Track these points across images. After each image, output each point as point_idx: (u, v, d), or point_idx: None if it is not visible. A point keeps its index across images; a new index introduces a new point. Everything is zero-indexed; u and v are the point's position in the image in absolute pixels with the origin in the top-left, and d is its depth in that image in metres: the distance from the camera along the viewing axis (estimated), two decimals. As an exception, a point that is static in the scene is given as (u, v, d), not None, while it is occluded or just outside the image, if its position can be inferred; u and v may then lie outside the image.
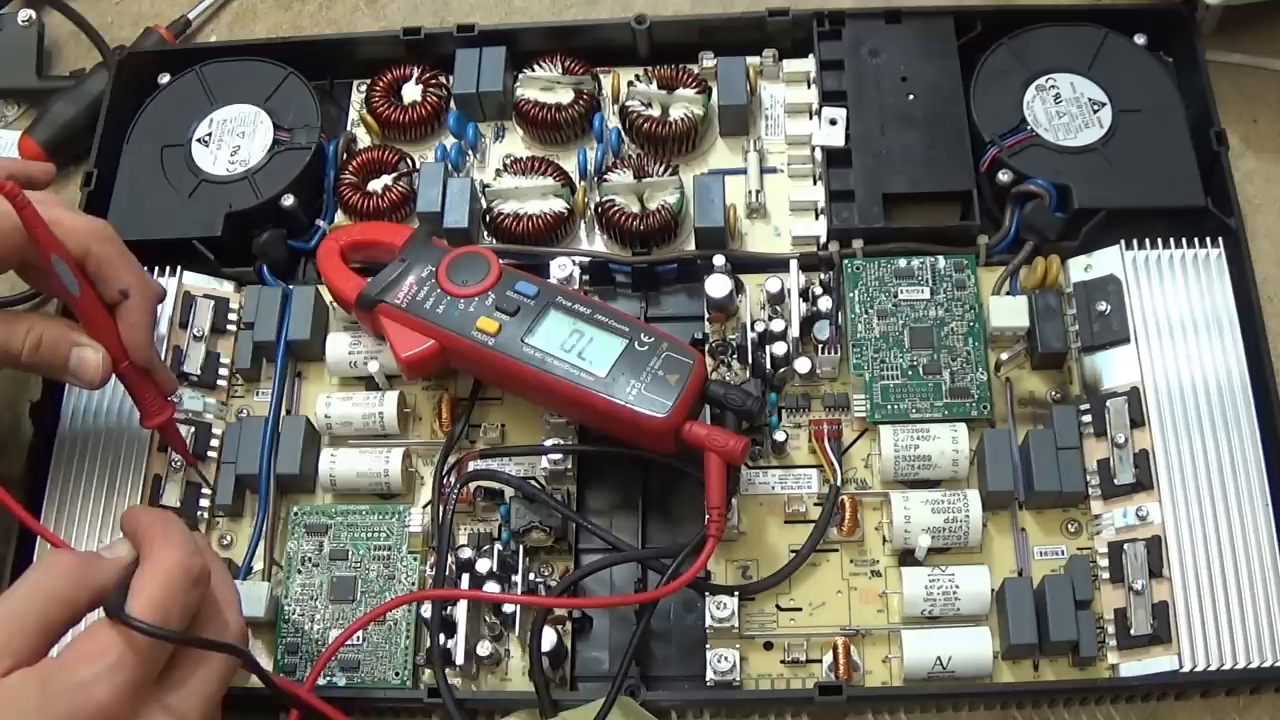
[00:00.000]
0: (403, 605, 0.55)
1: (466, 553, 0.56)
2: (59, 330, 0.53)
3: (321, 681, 0.55)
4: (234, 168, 0.65)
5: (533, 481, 0.57)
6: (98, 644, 0.42)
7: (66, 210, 0.53)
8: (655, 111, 0.66)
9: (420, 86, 0.68)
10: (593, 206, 0.64)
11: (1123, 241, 0.59)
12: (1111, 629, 0.53)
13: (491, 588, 0.55)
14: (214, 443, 0.60)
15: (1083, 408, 0.57)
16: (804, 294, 0.60)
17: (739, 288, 0.61)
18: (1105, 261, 0.59)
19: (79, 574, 0.44)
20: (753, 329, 0.60)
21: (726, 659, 0.53)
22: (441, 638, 0.54)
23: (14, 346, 0.52)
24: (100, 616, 0.42)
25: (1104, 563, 0.54)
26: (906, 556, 0.56)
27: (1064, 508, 0.57)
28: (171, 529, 0.45)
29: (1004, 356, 0.59)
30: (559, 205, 0.64)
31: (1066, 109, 0.63)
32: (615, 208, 0.63)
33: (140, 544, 0.45)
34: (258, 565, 0.58)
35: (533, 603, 0.55)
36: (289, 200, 0.64)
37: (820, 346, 0.59)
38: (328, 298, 0.63)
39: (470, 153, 0.68)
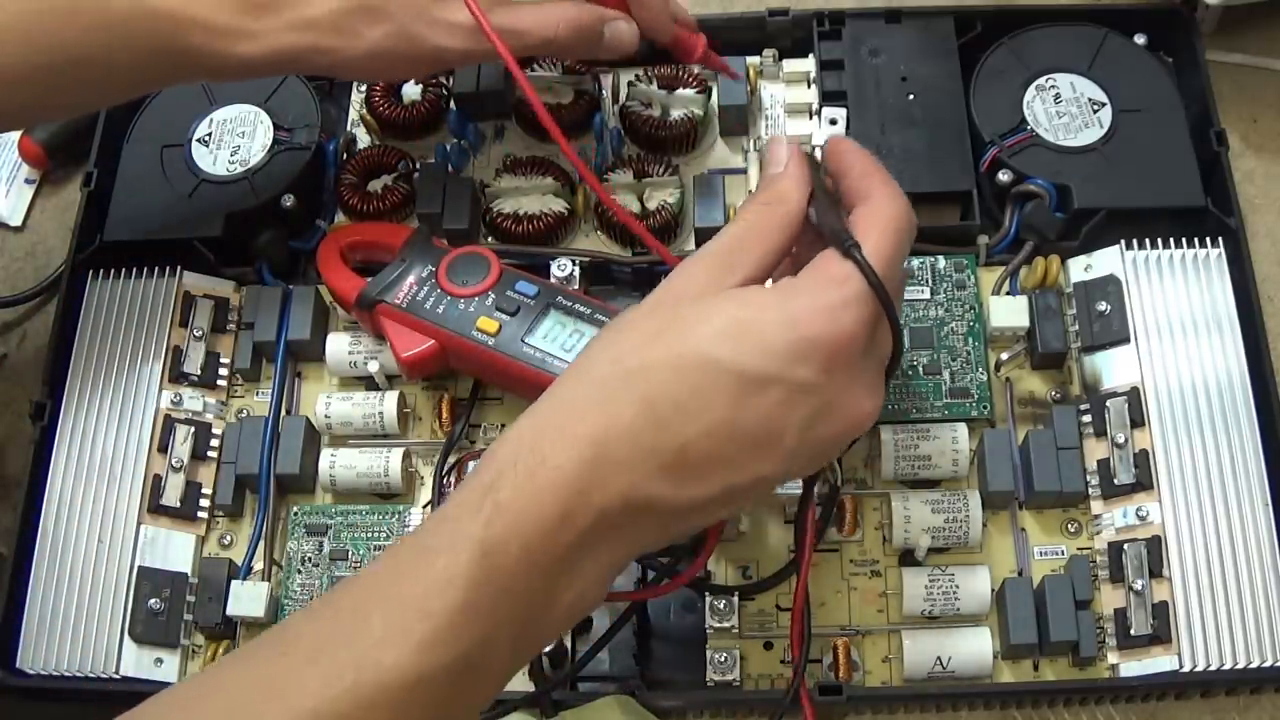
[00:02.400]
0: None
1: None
2: (586, 10, 0.56)
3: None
4: (234, 168, 0.65)
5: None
6: (842, 271, 0.42)
7: None
8: (655, 111, 0.66)
9: (420, 86, 0.68)
10: (593, 206, 0.64)
11: (1123, 241, 0.59)
12: (1111, 629, 0.53)
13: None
14: (214, 443, 0.60)
15: (1083, 408, 0.57)
16: (804, 294, 0.60)
17: (739, 288, 0.61)
18: (1105, 261, 0.60)
19: (775, 188, 0.45)
20: (753, 329, 0.60)
21: (726, 659, 0.53)
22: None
23: (548, 32, 0.55)
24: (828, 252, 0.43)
25: (1104, 563, 0.54)
26: (906, 556, 0.56)
27: (1064, 508, 0.57)
28: (887, 174, 0.45)
29: (1004, 356, 0.59)
30: (559, 205, 0.64)
31: (1066, 109, 0.63)
32: (615, 208, 0.63)
33: (859, 183, 0.45)
34: (258, 565, 0.58)
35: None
36: (289, 200, 0.64)
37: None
38: (328, 298, 0.63)
39: (470, 153, 0.68)
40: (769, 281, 0.44)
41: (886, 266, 0.42)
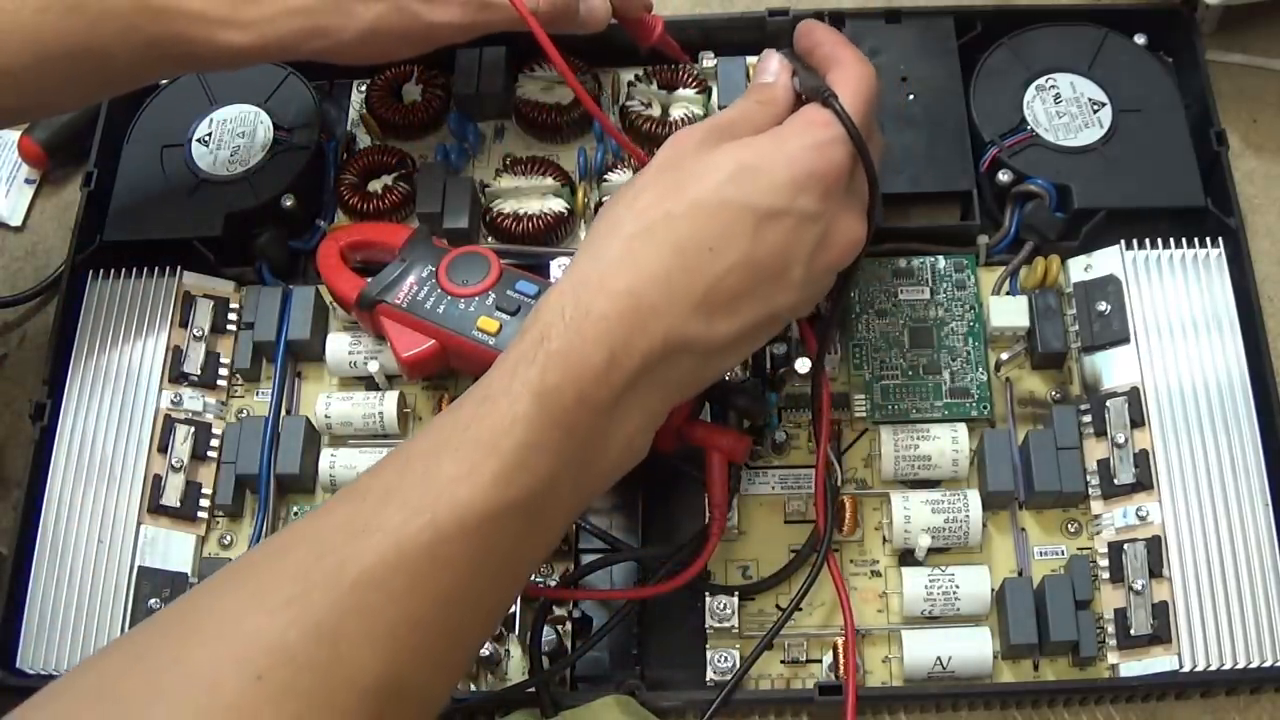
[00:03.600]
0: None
1: (466, 553, 0.56)
2: None
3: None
4: (234, 168, 0.65)
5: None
6: (824, 116, 0.47)
7: None
8: (655, 111, 0.66)
9: (420, 86, 0.68)
10: (593, 206, 0.64)
11: (1123, 241, 0.59)
12: (1111, 629, 0.53)
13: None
14: (214, 443, 0.60)
15: (1083, 408, 0.57)
16: (804, 294, 0.60)
17: (739, 288, 0.61)
18: (1105, 261, 0.60)
19: (768, 90, 0.50)
20: (753, 329, 0.60)
21: (726, 659, 0.53)
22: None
23: (529, 3, 0.56)
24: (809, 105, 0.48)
25: (1104, 563, 0.54)
26: (906, 556, 0.56)
27: (1064, 508, 0.57)
28: (852, 45, 0.51)
29: (1004, 356, 0.59)
30: (559, 205, 0.64)
31: (1066, 109, 0.63)
32: (615, 208, 0.63)
33: (830, 52, 0.50)
34: (258, 565, 0.58)
35: (535, 594, 0.55)
36: (289, 200, 0.64)
37: (820, 346, 0.59)
38: (328, 298, 0.63)
39: (470, 153, 0.68)
40: None
41: (860, 115, 0.47)
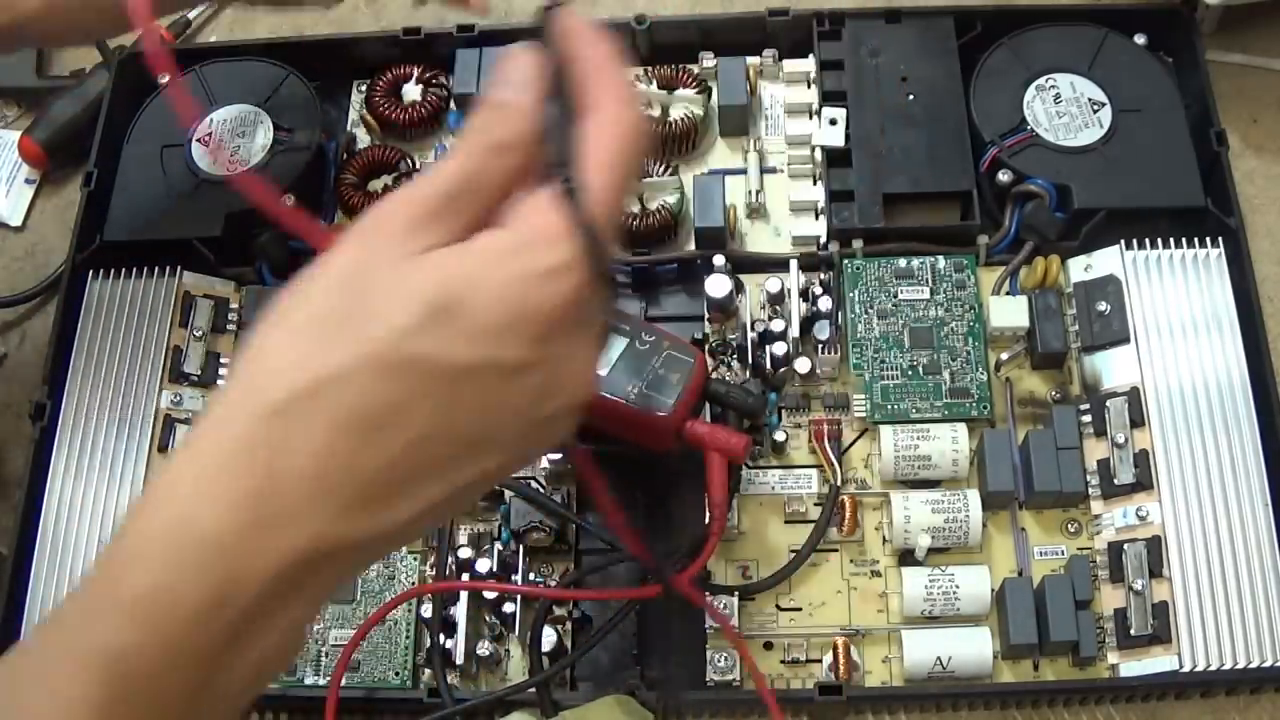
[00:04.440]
0: (409, 599, 0.55)
1: (466, 552, 0.56)
2: None
3: (322, 681, 0.55)
4: (234, 168, 0.65)
5: (533, 482, 0.57)
6: (555, 226, 0.35)
7: None
8: (655, 111, 0.66)
9: (420, 86, 0.68)
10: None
11: (1123, 241, 0.59)
12: (1111, 629, 0.53)
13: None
14: (214, 443, 0.60)
15: (1083, 408, 0.57)
16: (804, 294, 0.60)
17: (739, 288, 0.61)
18: (1105, 261, 0.59)
19: (506, 120, 0.37)
20: (753, 329, 0.60)
21: (726, 659, 0.53)
22: (441, 637, 0.54)
23: None
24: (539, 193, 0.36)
25: (1104, 563, 0.54)
26: (906, 556, 0.56)
27: (1064, 508, 0.57)
28: (619, 74, 0.38)
29: (1004, 356, 0.59)
30: (559, 205, 0.64)
31: (1066, 109, 0.63)
32: (615, 208, 0.63)
33: (586, 84, 0.37)
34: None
35: (535, 594, 0.55)
36: (289, 200, 0.64)
37: (820, 346, 0.59)
38: (328, 298, 0.63)
39: (470, 153, 0.68)
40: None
41: (610, 207, 0.36)
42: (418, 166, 0.66)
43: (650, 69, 0.67)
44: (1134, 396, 0.56)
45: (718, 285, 0.60)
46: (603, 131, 0.37)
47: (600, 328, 0.39)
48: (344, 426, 0.32)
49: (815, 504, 0.58)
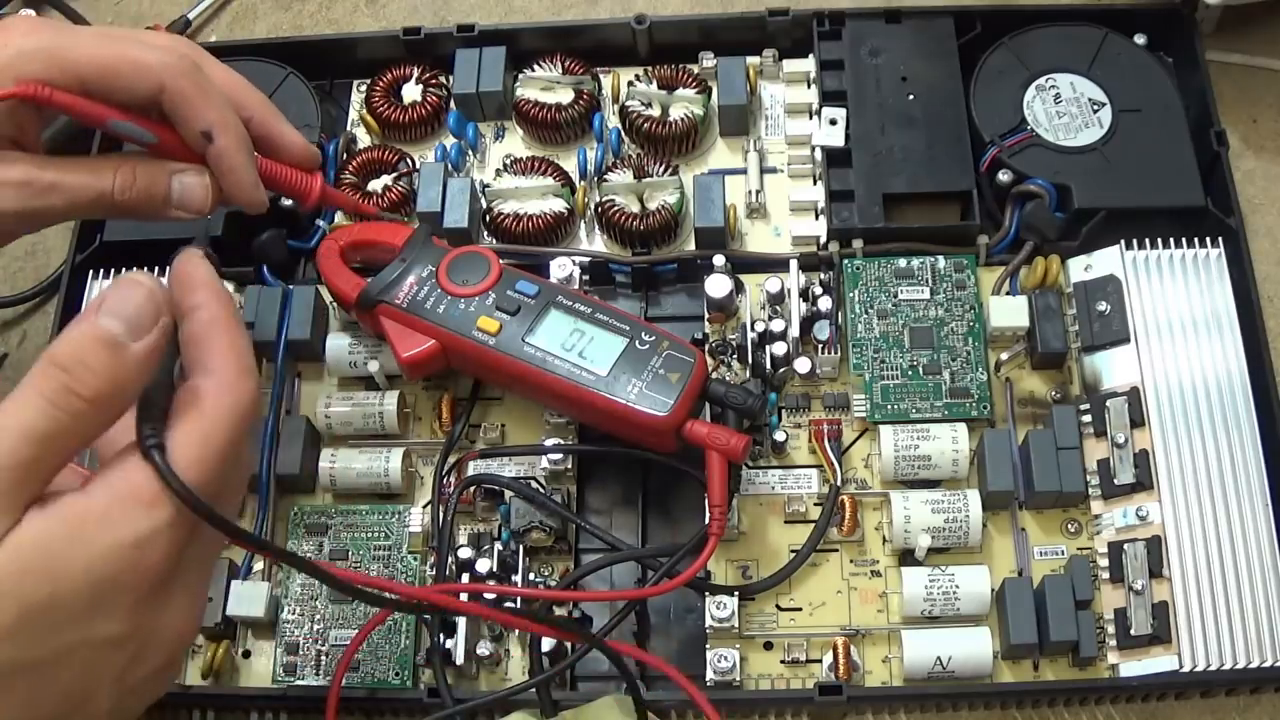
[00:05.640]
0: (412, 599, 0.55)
1: (466, 553, 0.56)
2: (154, 162, 0.48)
3: (322, 681, 0.55)
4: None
5: (533, 482, 0.57)
6: (148, 487, 0.34)
7: (135, 43, 0.46)
8: (655, 111, 0.66)
9: (420, 86, 0.68)
10: (593, 206, 0.64)
11: (1123, 241, 0.59)
12: (1111, 629, 0.53)
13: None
14: (214, 443, 0.60)
15: (1083, 408, 0.57)
16: (804, 294, 0.60)
17: (739, 288, 0.61)
18: (1105, 261, 0.59)
19: (110, 370, 0.34)
20: (753, 329, 0.60)
21: (726, 659, 0.54)
22: (441, 637, 0.54)
23: (103, 186, 0.47)
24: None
25: (1104, 563, 0.54)
26: (906, 556, 0.56)
27: (1064, 508, 0.57)
28: (239, 337, 0.37)
29: (1004, 356, 0.59)
30: (559, 205, 0.64)
31: (1066, 109, 0.63)
32: (615, 208, 0.63)
33: (199, 339, 0.36)
34: (258, 565, 0.58)
35: (535, 595, 0.55)
36: (289, 200, 0.64)
37: (820, 346, 0.59)
38: (328, 298, 0.63)
39: (470, 153, 0.68)
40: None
41: (208, 474, 0.34)
42: (417, 166, 0.66)
43: (650, 69, 0.67)
44: (1134, 396, 0.56)
45: (718, 285, 0.60)
46: (209, 397, 0.35)
47: (206, 566, 0.38)
48: None
49: (815, 504, 0.58)
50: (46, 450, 0.33)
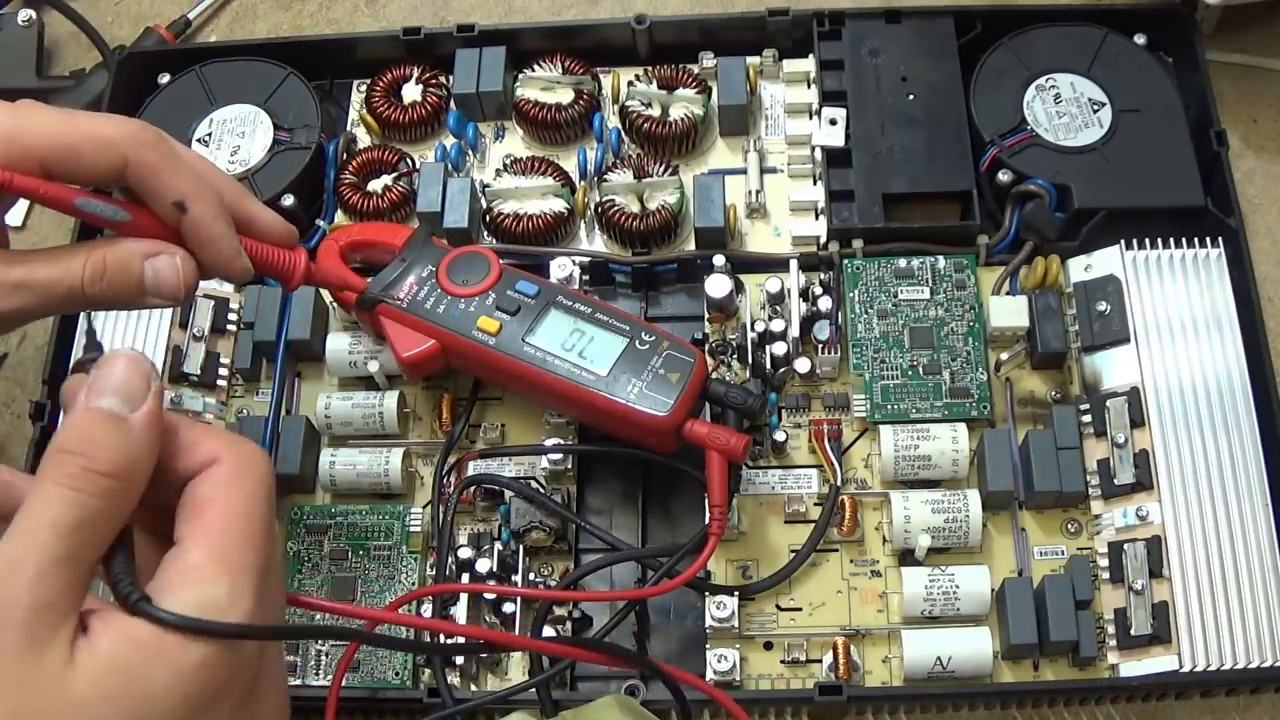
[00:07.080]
0: (410, 602, 0.55)
1: (466, 553, 0.56)
2: (124, 246, 0.43)
3: (323, 681, 0.55)
4: (234, 168, 0.65)
5: (533, 482, 0.57)
6: (159, 634, 0.32)
7: (94, 118, 0.43)
8: (655, 111, 0.66)
9: (420, 86, 0.68)
10: (593, 206, 0.64)
11: (1123, 241, 0.59)
12: (1111, 629, 0.53)
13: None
14: (214, 443, 0.60)
15: (1083, 408, 0.57)
16: (804, 294, 0.60)
17: (739, 288, 0.61)
18: (1105, 261, 0.60)
19: (121, 442, 0.32)
20: (753, 329, 0.60)
21: (726, 659, 0.54)
22: (441, 637, 0.54)
23: (72, 279, 0.42)
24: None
25: (1104, 563, 0.54)
26: (906, 556, 0.56)
27: (1064, 508, 0.57)
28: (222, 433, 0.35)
29: (1004, 356, 0.59)
30: (559, 205, 0.64)
31: (1066, 109, 0.63)
32: (615, 208, 0.63)
33: (189, 455, 0.35)
34: (258, 565, 0.58)
35: (535, 595, 0.55)
36: (289, 200, 0.64)
37: (820, 346, 0.59)
38: (328, 298, 0.63)
39: (470, 153, 0.68)
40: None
41: (242, 590, 0.32)
42: (417, 166, 0.66)
43: (650, 69, 0.67)
44: (1134, 396, 0.56)
45: (718, 285, 0.60)
46: (219, 493, 0.33)
47: (280, 690, 0.36)
48: None
49: (815, 504, 0.58)
50: (82, 540, 0.31)
